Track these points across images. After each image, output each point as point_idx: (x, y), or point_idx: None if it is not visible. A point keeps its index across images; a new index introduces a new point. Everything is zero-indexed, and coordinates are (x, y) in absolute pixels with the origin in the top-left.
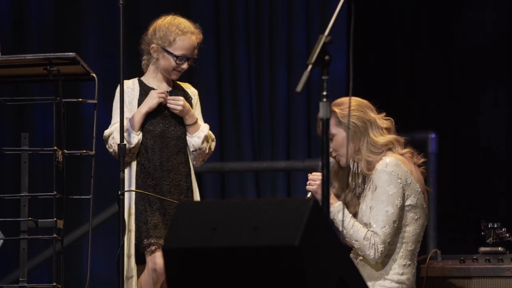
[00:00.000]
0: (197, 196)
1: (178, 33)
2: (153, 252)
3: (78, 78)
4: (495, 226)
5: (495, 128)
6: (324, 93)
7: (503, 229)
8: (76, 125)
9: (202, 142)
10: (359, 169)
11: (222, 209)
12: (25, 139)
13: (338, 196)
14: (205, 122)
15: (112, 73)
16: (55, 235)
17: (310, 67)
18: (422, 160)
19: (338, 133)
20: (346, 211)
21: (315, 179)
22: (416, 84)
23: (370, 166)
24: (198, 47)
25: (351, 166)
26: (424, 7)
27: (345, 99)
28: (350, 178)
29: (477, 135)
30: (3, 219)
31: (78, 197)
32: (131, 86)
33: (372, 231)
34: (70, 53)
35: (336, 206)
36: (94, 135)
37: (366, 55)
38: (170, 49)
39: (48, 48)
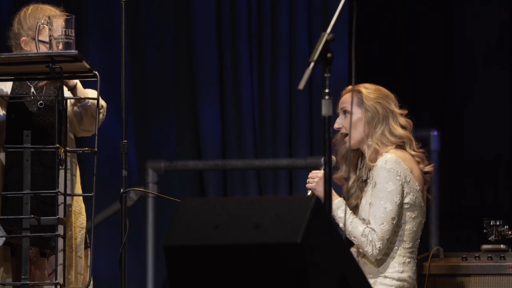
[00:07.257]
0: None
1: (46, 19)
2: None
3: (81, 75)
4: (498, 223)
5: (497, 126)
6: (326, 90)
7: (505, 227)
8: None
9: None
10: (364, 158)
11: (224, 207)
12: (27, 137)
13: (344, 179)
14: (207, 119)
15: (114, 70)
16: (57, 233)
17: (312, 64)
18: (429, 168)
19: (355, 113)
20: (346, 207)
21: (314, 177)
22: (418, 82)
23: (376, 156)
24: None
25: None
26: (426, 4)
27: (373, 85)
28: (359, 162)
29: (479, 133)
30: (5, 217)
31: (80, 194)
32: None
33: (370, 228)
34: (73, 51)
35: (336, 203)
36: (96, 132)
37: (368, 53)
38: (41, 38)
39: None
